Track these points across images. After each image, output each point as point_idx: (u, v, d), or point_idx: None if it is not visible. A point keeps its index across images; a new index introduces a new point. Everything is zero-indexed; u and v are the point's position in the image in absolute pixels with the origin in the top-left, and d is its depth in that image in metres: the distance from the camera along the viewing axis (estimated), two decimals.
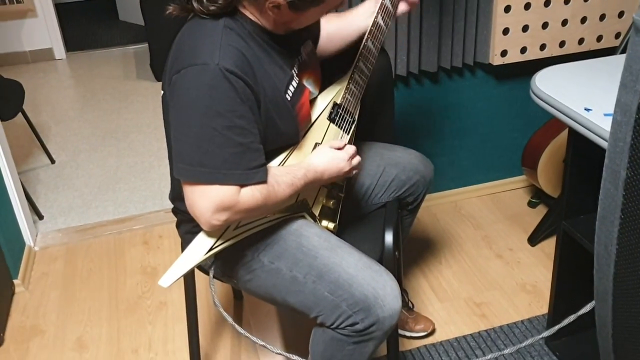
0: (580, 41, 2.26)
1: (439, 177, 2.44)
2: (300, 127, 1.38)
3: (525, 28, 2.17)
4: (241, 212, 1.23)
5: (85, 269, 2.35)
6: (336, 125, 1.49)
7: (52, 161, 3.13)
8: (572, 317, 1.26)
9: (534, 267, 2.24)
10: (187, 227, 1.44)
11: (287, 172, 1.31)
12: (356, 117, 1.56)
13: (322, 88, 1.50)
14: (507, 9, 2.11)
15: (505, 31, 2.15)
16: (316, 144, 1.44)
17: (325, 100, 1.48)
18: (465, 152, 2.52)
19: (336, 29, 1.59)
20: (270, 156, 1.32)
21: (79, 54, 4.66)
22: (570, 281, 1.77)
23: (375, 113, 1.79)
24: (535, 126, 2.39)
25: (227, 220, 1.22)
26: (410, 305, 1.98)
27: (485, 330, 1.97)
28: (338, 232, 1.53)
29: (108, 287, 2.25)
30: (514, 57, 2.22)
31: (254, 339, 1.35)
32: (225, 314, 1.36)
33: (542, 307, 2.05)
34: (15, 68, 4.37)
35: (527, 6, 2.13)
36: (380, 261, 1.51)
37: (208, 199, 1.19)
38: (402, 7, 1.55)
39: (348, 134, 1.53)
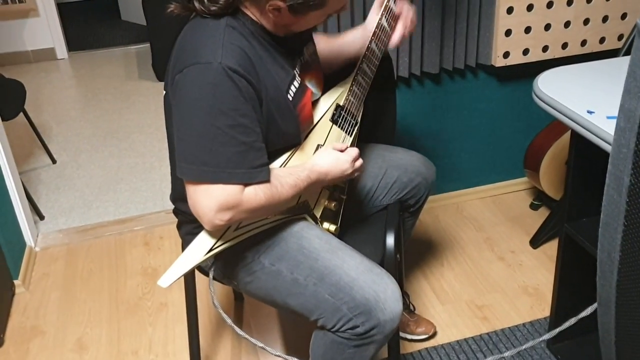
0: (583, 43, 2.26)
1: (440, 178, 2.43)
2: (301, 128, 1.37)
3: (527, 30, 2.17)
4: (244, 211, 1.22)
5: (85, 270, 2.35)
6: (339, 127, 1.49)
7: (54, 161, 3.13)
8: (572, 320, 1.25)
9: (535, 270, 2.23)
10: (188, 228, 1.44)
11: (291, 173, 1.31)
12: (359, 119, 1.55)
13: (324, 89, 1.49)
14: (510, 10, 2.10)
15: (508, 33, 2.15)
16: (318, 146, 1.44)
17: (328, 102, 1.47)
18: (467, 154, 2.51)
19: (326, 54, 1.59)
20: (273, 157, 1.32)
21: (81, 53, 4.66)
22: (572, 284, 1.76)
23: (377, 114, 1.78)
24: (537, 128, 2.39)
25: (230, 220, 1.21)
26: (411, 307, 1.97)
27: (487, 333, 1.96)
28: (339, 234, 1.53)
29: (108, 288, 2.25)
30: (516, 58, 2.21)
31: (253, 340, 1.34)
32: (224, 315, 1.36)
33: (544, 309, 2.05)
34: (17, 68, 4.38)
35: (530, 8, 2.12)
36: (382, 264, 1.51)
37: (211, 198, 1.19)
38: (396, 36, 1.52)
39: (351, 136, 1.52)
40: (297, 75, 1.35)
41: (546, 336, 1.35)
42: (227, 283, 1.53)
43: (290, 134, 1.35)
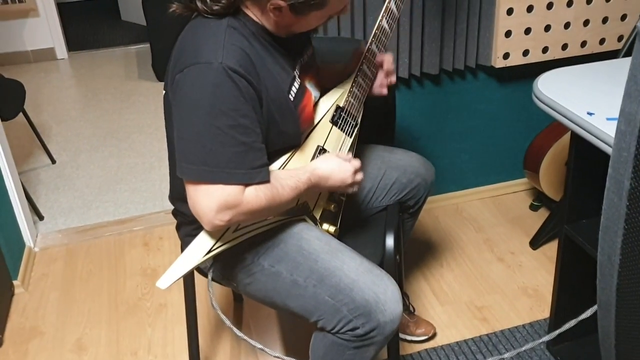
0: (583, 44, 2.26)
1: (440, 179, 2.44)
2: (302, 129, 1.37)
3: (527, 31, 2.17)
4: (244, 212, 1.22)
5: (85, 270, 2.34)
6: (339, 128, 1.48)
7: (53, 161, 3.13)
8: (572, 322, 1.25)
9: (535, 271, 2.23)
10: (187, 229, 1.43)
11: (292, 175, 1.31)
12: (359, 120, 1.55)
13: (323, 91, 1.49)
14: (510, 11, 2.10)
15: (508, 34, 2.15)
16: (318, 147, 1.43)
17: (328, 103, 1.47)
18: (467, 155, 2.51)
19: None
20: (272, 157, 1.32)
21: (81, 53, 4.66)
22: (572, 285, 1.76)
23: (376, 115, 1.78)
24: (537, 129, 2.38)
25: (230, 220, 1.21)
26: (411, 309, 1.97)
27: (487, 334, 1.96)
28: (339, 235, 1.53)
29: (108, 288, 2.24)
30: (516, 59, 2.21)
31: (252, 342, 1.34)
32: (223, 316, 1.36)
33: (543, 311, 2.05)
34: (17, 67, 4.37)
35: (530, 9, 2.12)
36: (381, 265, 1.51)
37: (211, 198, 1.18)
38: (377, 85, 1.56)
39: (351, 137, 1.52)
40: (297, 77, 1.35)
41: (546, 338, 1.35)
42: (226, 284, 1.53)
43: (290, 135, 1.35)
